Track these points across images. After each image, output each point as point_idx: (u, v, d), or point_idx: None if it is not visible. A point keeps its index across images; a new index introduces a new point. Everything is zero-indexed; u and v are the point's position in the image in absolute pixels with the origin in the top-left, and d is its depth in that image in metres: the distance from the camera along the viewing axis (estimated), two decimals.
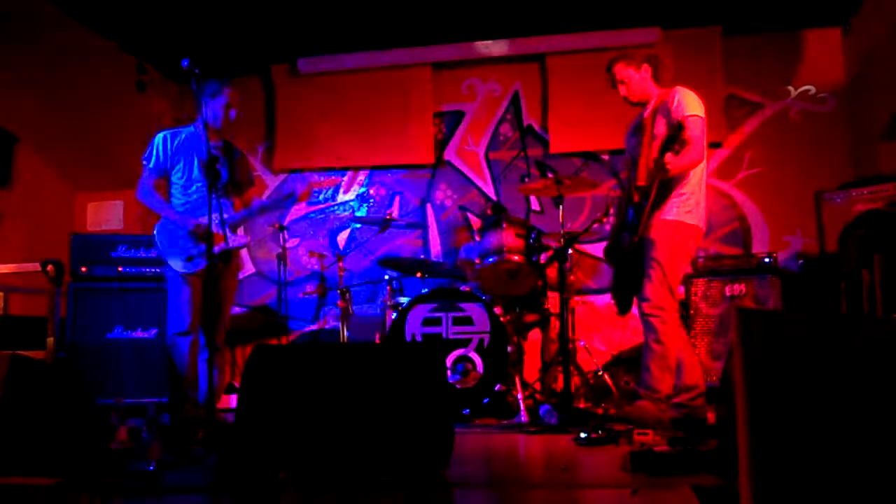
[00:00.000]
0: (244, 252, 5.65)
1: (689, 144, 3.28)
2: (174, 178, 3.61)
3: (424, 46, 5.65)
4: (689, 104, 3.34)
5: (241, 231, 3.73)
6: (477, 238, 4.31)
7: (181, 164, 3.59)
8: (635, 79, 3.50)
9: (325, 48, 5.70)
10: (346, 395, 2.35)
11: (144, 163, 3.64)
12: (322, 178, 3.60)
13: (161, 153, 3.60)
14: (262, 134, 5.96)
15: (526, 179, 5.53)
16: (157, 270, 4.33)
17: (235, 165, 3.71)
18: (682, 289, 4.05)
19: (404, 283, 4.89)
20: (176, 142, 3.62)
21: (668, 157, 3.18)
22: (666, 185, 3.35)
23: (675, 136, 3.19)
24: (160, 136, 3.65)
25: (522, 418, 3.68)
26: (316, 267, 5.84)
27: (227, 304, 3.68)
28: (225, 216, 3.41)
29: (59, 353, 3.94)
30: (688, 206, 3.38)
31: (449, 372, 3.92)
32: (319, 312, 5.80)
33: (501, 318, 4.02)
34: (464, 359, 3.95)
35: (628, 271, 3.50)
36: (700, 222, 3.42)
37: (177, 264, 3.52)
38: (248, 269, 5.84)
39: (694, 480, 2.12)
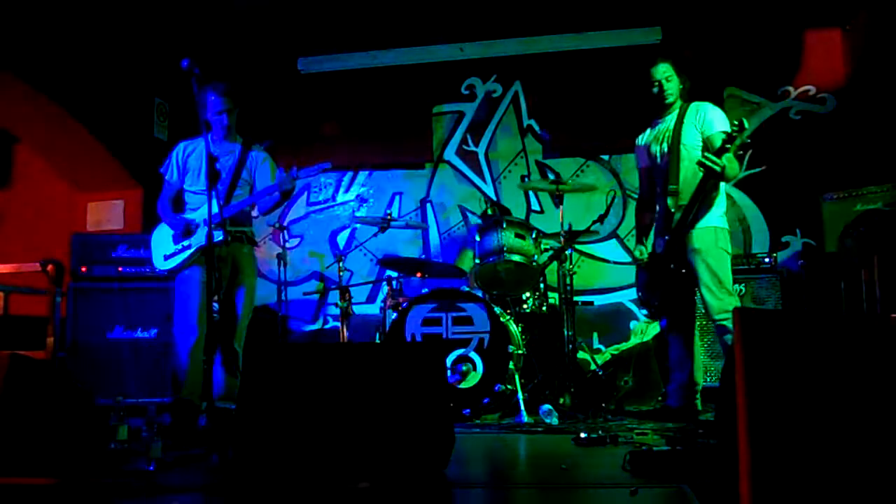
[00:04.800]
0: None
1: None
2: (186, 186, 3.66)
3: (424, 46, 5.65)
4: (725, 120, 3.48)
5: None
6: (477, 238, 4.30)
7: (192, 172, 3.63)
8: (676, 82, 3.60)
9: (325, 48, 5.70)
10: (346, 395, 2.35)
11: (162, 174, 3.69)
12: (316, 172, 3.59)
13: (175, 164, 3.66)
14: (262, 134, 5.95)
15: (526, 179, 5.55)
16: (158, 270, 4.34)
17: (248, 168, 3.70)
18: None
19: (404, 283, 4.89)
20: (188, 151, 3.67)
21: (726, 158, 3.26)
22: (703, 193, 3.42)
23: (731, 142, 3.27)
24: (178, 146, 3.71)
25: (522, 418, 3.68)
26: (316, 267, 5.84)
27: (239, 309, 3.61)
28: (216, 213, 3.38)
29: (59, 353, 3.94)
30: (719, 210, 3.51)
31: (449, 372, 3.92)
32: (319, 312, 5.80)
33: (501, 318, 4.02)
34: (464, 359, 3.95)
35: (664, 278, 3.53)
36: (728, 224, 3.55)
37: (157, 262, 3.62)
38: None
39: (694, 480, 2.12)
